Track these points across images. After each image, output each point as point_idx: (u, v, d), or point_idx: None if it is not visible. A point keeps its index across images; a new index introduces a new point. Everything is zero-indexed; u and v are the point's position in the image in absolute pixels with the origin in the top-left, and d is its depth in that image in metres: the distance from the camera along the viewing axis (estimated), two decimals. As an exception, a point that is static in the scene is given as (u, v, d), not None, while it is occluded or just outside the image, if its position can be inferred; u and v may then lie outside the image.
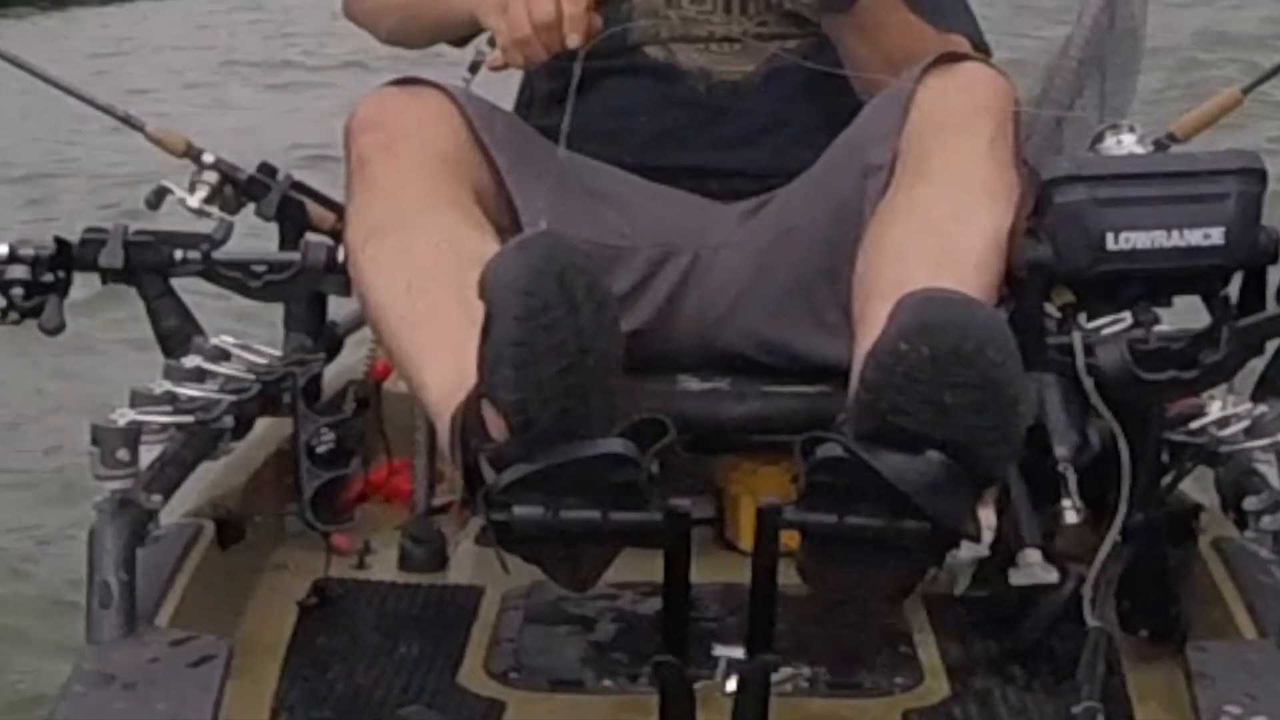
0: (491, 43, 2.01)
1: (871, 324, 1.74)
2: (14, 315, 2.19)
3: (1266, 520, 1.86)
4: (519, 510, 1.49)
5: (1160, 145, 2.38)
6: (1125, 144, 2.16)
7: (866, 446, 1.49)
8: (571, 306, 1.47)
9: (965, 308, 1.50)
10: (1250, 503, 1.87)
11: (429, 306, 1.78)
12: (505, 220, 1.96)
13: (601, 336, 1.49)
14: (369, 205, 1.91)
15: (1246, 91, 2.50)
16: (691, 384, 2.09)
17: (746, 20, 2.14)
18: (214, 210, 2.28)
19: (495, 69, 2.00)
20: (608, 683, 1.85)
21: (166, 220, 2.27)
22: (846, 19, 2.02)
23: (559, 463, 1.49)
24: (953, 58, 1.93)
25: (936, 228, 1.81)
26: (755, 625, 1.55)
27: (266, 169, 2.33)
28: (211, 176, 2.30)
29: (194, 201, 2.29)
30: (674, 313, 2.07)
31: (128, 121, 2.42)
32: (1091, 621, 1.74)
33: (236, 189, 2.31)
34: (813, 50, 2.11)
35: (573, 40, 1.93)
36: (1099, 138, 2.21)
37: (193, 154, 2.33)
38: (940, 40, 2.05)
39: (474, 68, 2.13)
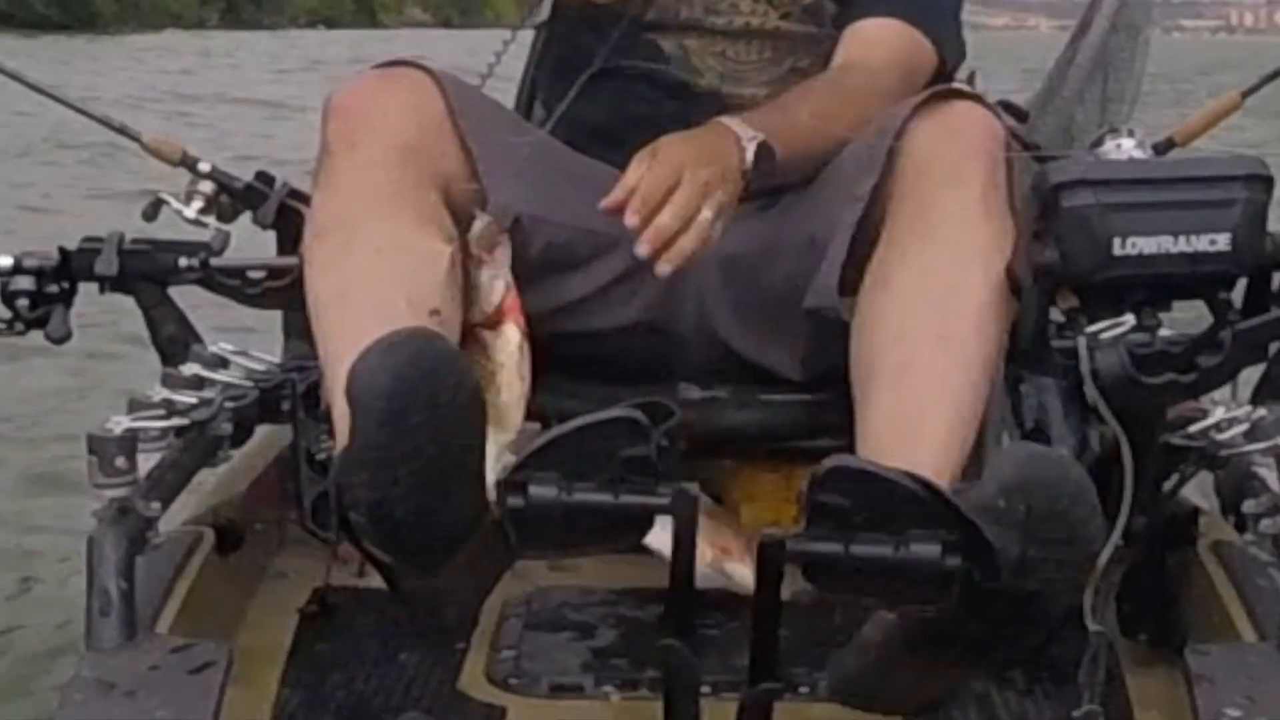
0: None
1: (875, 410, 1.78)
2: (19, 326, 2.19)
3: (1266, 524, 1.85)
4: (534, 490, 1.50)
5: (1160, 149, 2.38)
6: (1125, 148, 2.17)
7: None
8: (433, 408, 1.50)
9: (1059, 466, 1.51)
10: (1250, 506, 1.87)
11: (354, 319, 1.78)
12: (478, 208, 1.94)
13: (462, 429, 1.53)
14: (323, 202, 1.89)
15: (1246, 95, 2.50)
16: (692, 391, 2.09)
17: (773, 10, 2.13)
18: (211, 220, 2.29)
19: None
20: (608, 688, 1.85)
21: (164, 230, 2.28)
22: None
23: (575, 429, 1.52)
24: (943, 95, 1.90)
25: (936, 302, 1.80)
26: (758, 654, 1.55)
27: (264, 177, 2.33)
28: (207, 186, 2.30)
29: (190, 212, 2.29)
30: (672, 305, 2.06)
31: (124, 132, 2.42)
32: (1092, 626, 1.74)
33: (233, 198, 2.31)
34: (828, 56, 2.11)
35: None
36: (1099, 141, 2.21)
37: (188, 163, 2.33)
38: (886, 74, 2.03)
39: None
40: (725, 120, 1.88)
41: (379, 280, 1.80)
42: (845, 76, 2.06)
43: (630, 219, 1.74)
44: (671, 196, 1.74)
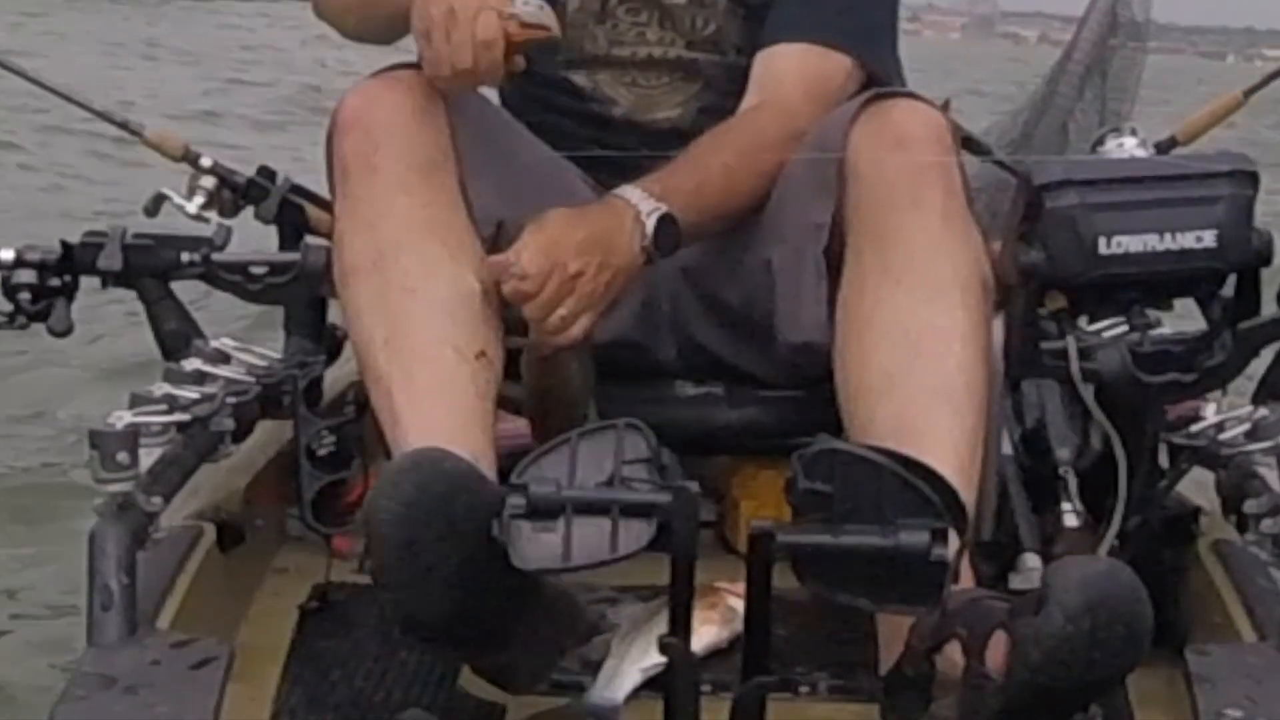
0: None
1: None
2: (21, 320, 2.20)
3: (1267, 523, 1.85)
4: (535, 489, 1.50)
5: (1162, 148, 2.38)
6: (1126, 147, 2.17)
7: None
8: (450, 525, 1.53)
9: (1114, 576, 1.52)
10: (1250, 506, 1.87)
11: (403, 370, 1.81)
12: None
13: (487, 538, 1.53)
14: (351, 235, 1.89)
15: (1248, 94, 2.50)
16: (687, 389, 2.10)
17: (679, 37, 2.11)
18: (213, 215, 2.29)
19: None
20: None
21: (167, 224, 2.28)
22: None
23: (577, 435, 1.54)
24: (880, 98, 1.87)
25: (920, 348, 1.78)
26: (750, 647, 1.55)
27: (265, 172, 2.33)
28: (209, 181, 2.30)
29: (192, 207, 2.29)
30: (648, 316, 2.07)
31: (125, 127, 2.42)
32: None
33: (235, 193, 2.31)
34: (737, 78, 2.08)
35: (490, 84, 1.95)
36: (1100, 140, 2.21)
37: (190, 158, 2.33)
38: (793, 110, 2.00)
39: None
40: (628, 191, 1.88)
41: (423, 326, 1.82)
42: (759, 120, 2.02)
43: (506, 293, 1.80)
44: (539, 291, 1.78)
